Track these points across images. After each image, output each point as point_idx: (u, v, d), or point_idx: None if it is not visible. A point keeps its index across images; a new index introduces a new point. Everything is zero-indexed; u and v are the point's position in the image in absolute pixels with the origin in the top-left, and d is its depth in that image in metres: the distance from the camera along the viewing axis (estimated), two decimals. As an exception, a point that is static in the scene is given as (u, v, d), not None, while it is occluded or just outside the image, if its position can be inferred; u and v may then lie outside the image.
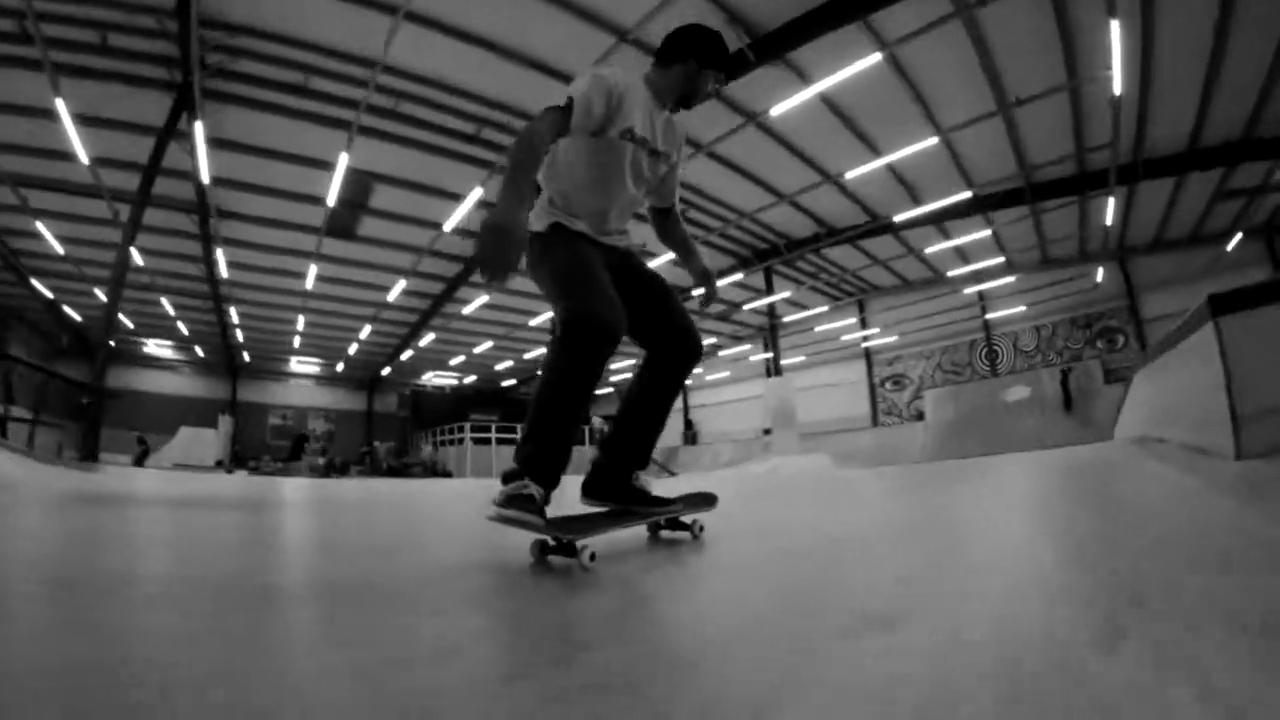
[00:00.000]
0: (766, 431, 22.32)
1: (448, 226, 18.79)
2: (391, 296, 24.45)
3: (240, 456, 28.34)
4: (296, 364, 35.31)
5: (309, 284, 22.83)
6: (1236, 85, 13.62)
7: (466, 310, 25.61)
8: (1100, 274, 23.43)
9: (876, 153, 16.46)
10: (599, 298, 2.33)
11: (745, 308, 26.17)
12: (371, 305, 26.32)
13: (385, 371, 35.89)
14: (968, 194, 18.75)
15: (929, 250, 23.79)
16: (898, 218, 20.11)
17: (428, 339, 30.16)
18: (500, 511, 2.20)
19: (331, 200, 16.67)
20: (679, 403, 39.04)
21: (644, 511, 2.61)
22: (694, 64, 2.54)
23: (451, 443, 28.57)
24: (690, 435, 38.63)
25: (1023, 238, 22.74)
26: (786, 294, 23.83)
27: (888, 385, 30.66)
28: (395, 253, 22.01)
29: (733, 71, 2.88)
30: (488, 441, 28.22)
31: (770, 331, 24.19)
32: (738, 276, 23.90)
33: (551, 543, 2.26)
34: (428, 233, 20.26)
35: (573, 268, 2.43)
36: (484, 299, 24.54)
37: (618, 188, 2.54)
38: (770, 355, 23.87)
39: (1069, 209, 20.48)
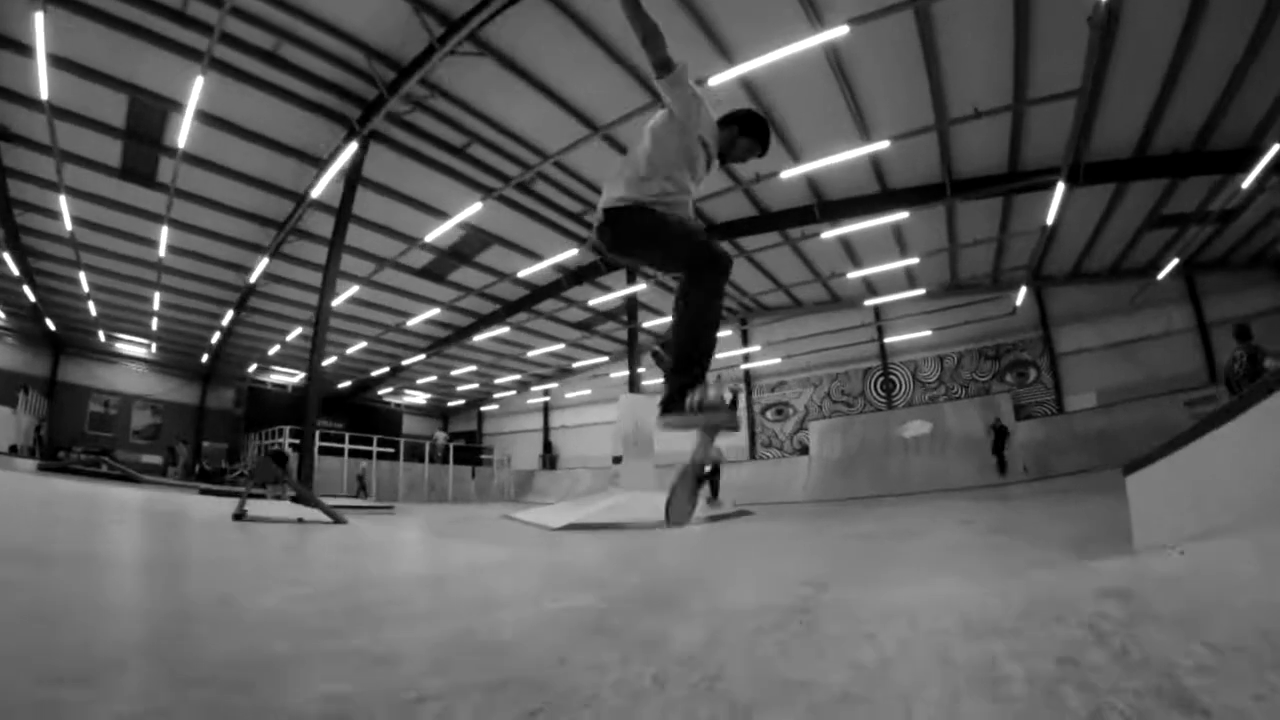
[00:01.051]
0: (616, 460, 18.01)
1: (316, 191, 14.50)
2: (254, 278, 19.51)
3: (48, 445, 23.42)
4: (130, 347, 29.04)
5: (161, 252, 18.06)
6: (1196, 88, 11.82)
7: (337, 302, 20.45)
8: (1021, 296, 20.29)
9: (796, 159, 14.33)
10: (714, 242, 3.02)
11: (593, 302, 22.10)
12: (234, 289, 21.37)
13: (252, 368, 30.43)
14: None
15: (830, 275, 20.69)
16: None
17: (294, 333, 24.81)
18: (702, 418, 3.00)
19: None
20: (538, 423, 35.82)
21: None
22: (736, 129, 3.38)
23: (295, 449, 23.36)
24: (549, 459, 34.25)
25: (934, 255, 19.43)
26: (640, 287, 19.73)
27: (769, 414, 26.85)
28: (256, 227, 17.66)
29: (766, 148, 3.49)
30: (337, 452, 23.34)
31: (630, 339, 19.99)
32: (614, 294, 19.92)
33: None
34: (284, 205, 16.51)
35: (687, 222, 3.11)
36: (356, 288, 19.91)
37: (692, 174, 3.24)
38: (635, 370, 19.73)
39: (988, 221, 17.46)
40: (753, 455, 26.30)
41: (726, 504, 16.77)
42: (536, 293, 22.16)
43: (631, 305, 19.86)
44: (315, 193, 14.11)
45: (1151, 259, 19.32)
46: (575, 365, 30.45)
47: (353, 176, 14.15)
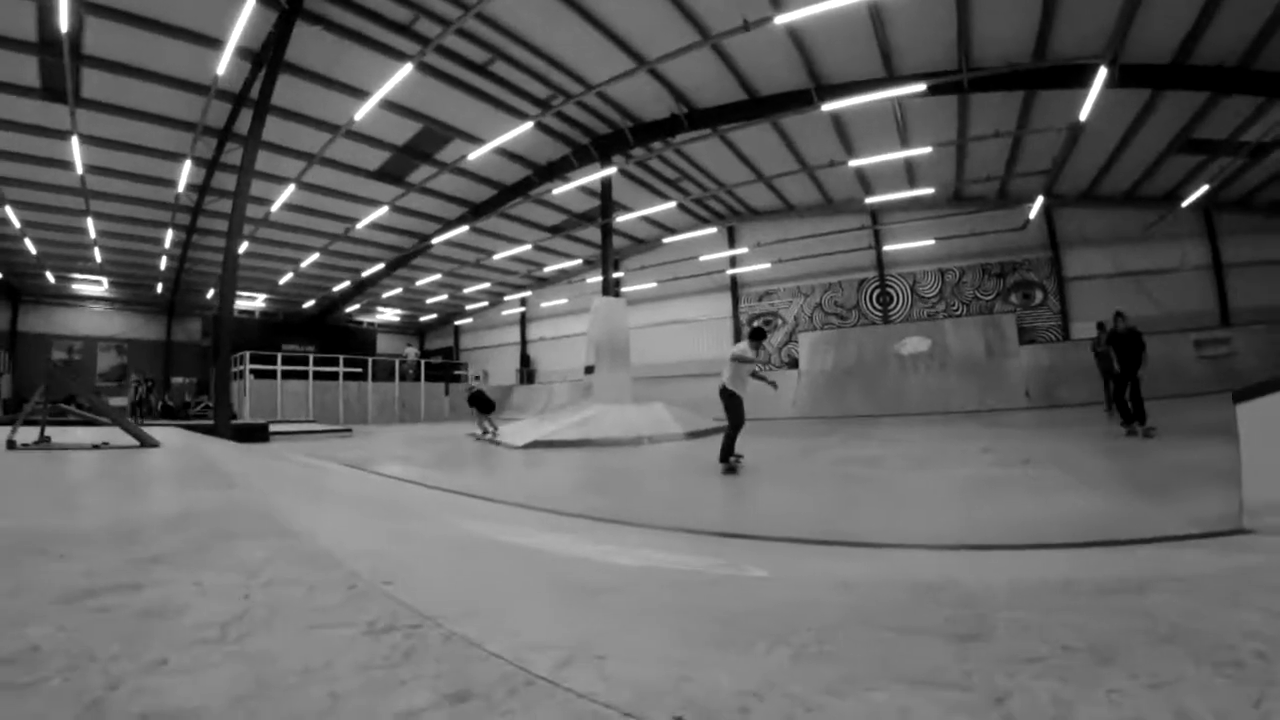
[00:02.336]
0: (588, 370, 16.06)
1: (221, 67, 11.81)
2: (181, 188, 17.00)
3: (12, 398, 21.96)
4: (86, 287, 26.70)
5: (78, 169, 15.45)
6: None
7: (275, 206, 18.16)
8: (1037, 207, 17.99)
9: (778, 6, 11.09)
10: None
11: (558, 192, 19.26)
12: (168, 207, 18.85)
13: (211, 294, 27.34)
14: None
15: (818, 165, 17.93)
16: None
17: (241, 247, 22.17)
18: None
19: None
20: (516, 336, 33.19)
21: None
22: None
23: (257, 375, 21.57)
24: (527, 374, 32.24)
25: (942, 148, 16.53)
26: (612, 170, 16.99)
27: (756, 324, 24.56)
28: (172, 131, 15.02)
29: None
30: (301, 375, 21.46)
31: (604, 237, 17.69)
32: (582, 180, 17.49)
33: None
34: (197, 101, 13.84)
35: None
36: (290, 189, 17.29)
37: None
38: (609, 273, 17.54)
39: (1005, 112, 14.91)
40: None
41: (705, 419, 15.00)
42: (505, 192, 19.79)
43: (606, 196, 17.49)
44: (220, 68, 11.46)
45: (1171, 187, 17.63)
46: (546, 270, 28.08)
47: (272, 58, 11.71)
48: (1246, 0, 10.13)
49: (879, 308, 22.14)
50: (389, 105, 13.93)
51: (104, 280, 25.54)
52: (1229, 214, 17.96)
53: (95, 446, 5.74)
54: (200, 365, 28.41)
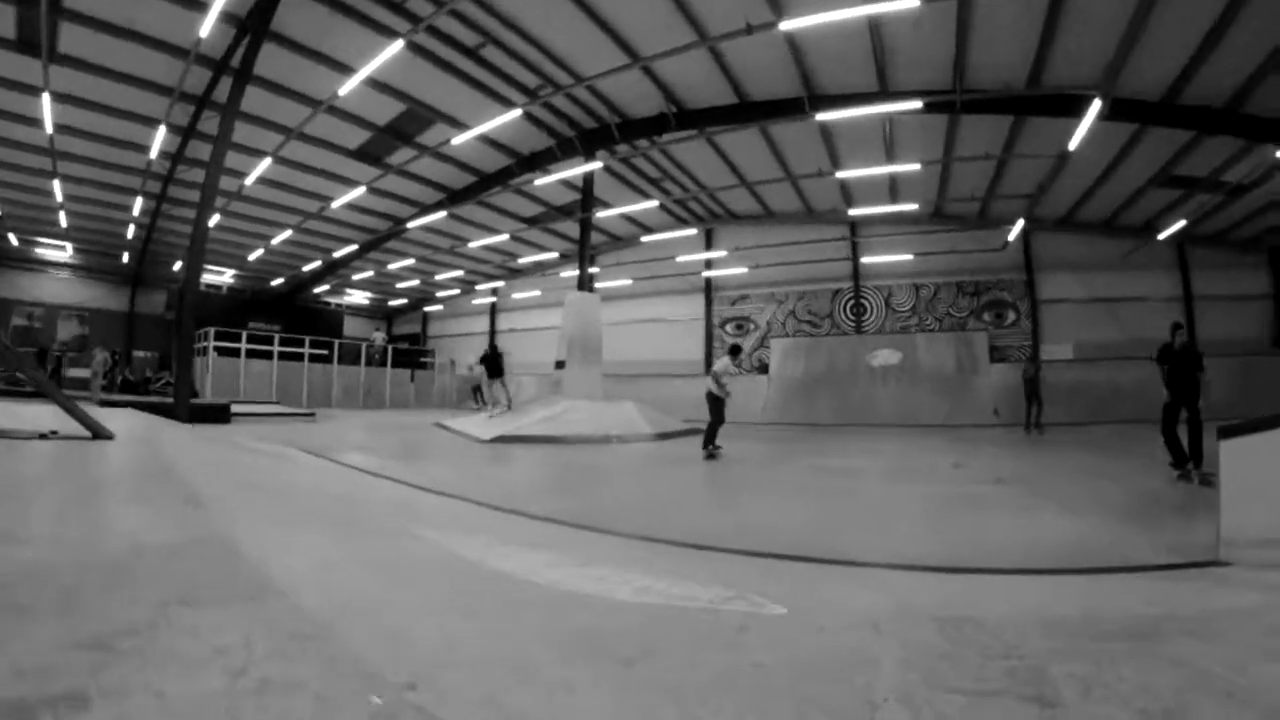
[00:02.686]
0: (559, 364, 15.74)
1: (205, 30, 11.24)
2: (154, 154, 16.01)
3: None
4: (50, 252, 25.26)
5: (48, 129, 14.55)
6: (1246, 40, 10.08)
7: (249, 180, 17.29)
8: (1018, 229, 18.03)
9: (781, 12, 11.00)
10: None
11: (540, 183, 18.51)
12: (139, 174, 17.85)
13: (177, 266, 25.87)
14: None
15: (805, 178, 17.82)
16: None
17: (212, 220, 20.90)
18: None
19: None
20: (485, 325, 32.35)
21: None
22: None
23: (221, 353, 20.68)
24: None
25: (928, 166, 16.29)
26: (596, 165, 16.68)
27: (728, 328, 24.38)
28: (149, 94, 14.15)
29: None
30: (266, 355, 20.74)
31: (583, 231, 17.34)
32: (565, 174, 17.00)
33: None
34: (176, 65, 13.08)
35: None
36: (266, 163, 16.44)
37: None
38: (585, 268, 17.19)
39: (992, 135, 14.88)
40: (708, 369, 24.03)
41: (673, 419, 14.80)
42: (484, 180, 19.25)
43: (587, 191, 17.13)
44: (203, 31, 10.85)
45: (1147, 219, 17.88)
46: (520, 261, 27.51)
47: (257, 25, 11.15)
48: (1239, 46, 10.24)
49: (852, 318, 22.02)
50: (374, 83, 13.41)
51: (68, 246, 24.27)
52: (1201, 248, 18.20)
53: (43, 436, 4.97)
54: (163, 339, 27.27)
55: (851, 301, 22.12)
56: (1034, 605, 2.74)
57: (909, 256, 20.62)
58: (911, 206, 18.28)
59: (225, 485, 4.32)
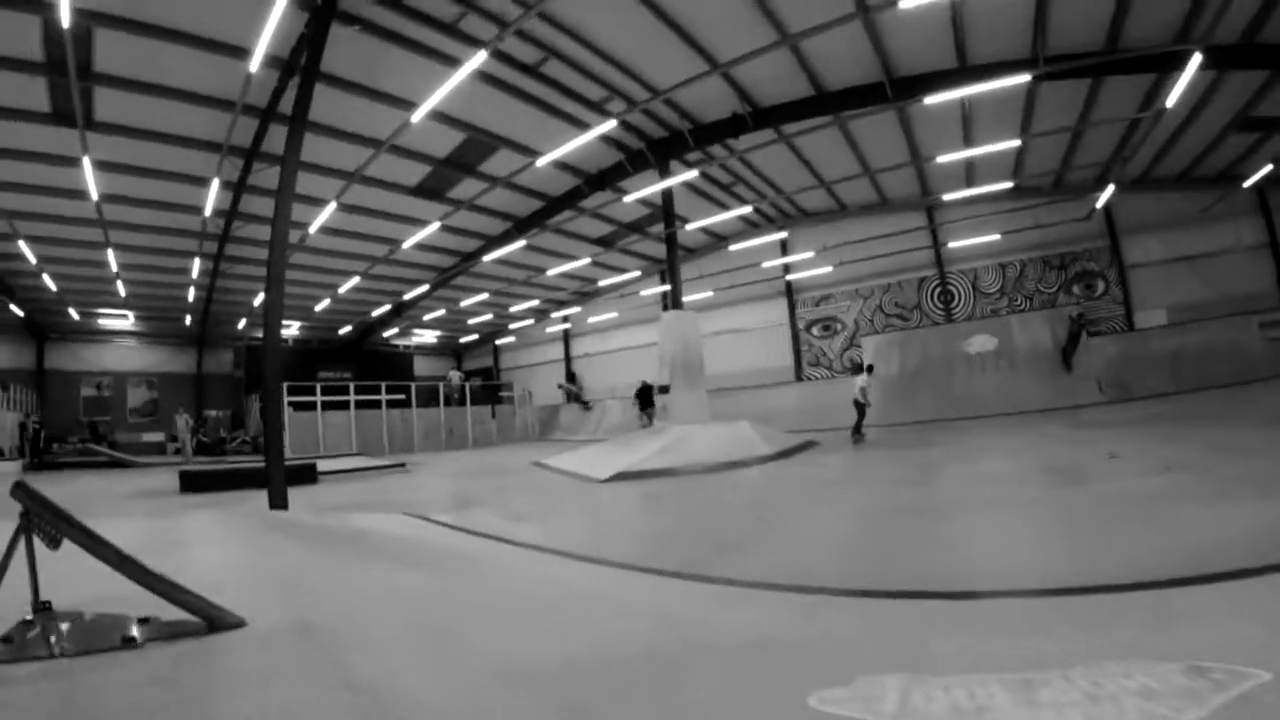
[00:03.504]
0: (662, 389, 14.64)
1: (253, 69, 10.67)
2: (208, 211, 15.35)
3: (43, 439, 19.63)
4: (111, 321, 24.92)
5: (94, 197, 13.83)
6: None
7: (312, 228, 16.43)
8: (1107, 195, 16.68)
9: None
10: None
11: (630, 199, 17.30)
12: (194, 235, 17.42)
13: (242, 324, 25.80)
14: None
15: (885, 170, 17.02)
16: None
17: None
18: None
19: None
20: (558, 353, 30.83)
21: None
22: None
23: (296, 407, 19.84)
24: (572, 393, 29.64)
25: (1003, 146, 15.03)
26: (684, 177, 15.73)
27: (814, 330, 23.11)
28: (195, 152, 13.55)
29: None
30: (343, 406, 19.96)
31: (669, 248, 16.25)
32: (643, 191, 15.84)
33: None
34: (221, 118, 12.54)
35: None
36: (330, 210, 15.49)
37: None
38: (668, 287, 16.15)
39: (1070, 105, 14.04)
40: (799, 376, 22.92)
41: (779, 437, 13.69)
42: (552, 204, 18.17)
43: (668, 205, 16.03)
44: (251, 72, 9.94)
45: (1224, 167, 16.66)
46: (597, 284, 26.24)
47: (308, 64, 10.22)
48: None
49: (941, 306, 20.74)
50: (431, 114, 12.48)
51: (130, 314, 23.87)
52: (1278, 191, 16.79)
53: (128, 640, 2.26)
54: (233, 397, 26.76)
55: (938, 289, 20.83)
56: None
57: (995, 236, 19.24)
58: (999, 186, 17.15)
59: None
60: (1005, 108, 14.07)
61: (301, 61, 9.92)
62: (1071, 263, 19.05)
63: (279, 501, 8.08)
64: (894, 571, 3.97)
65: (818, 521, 6.64)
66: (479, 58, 9.82)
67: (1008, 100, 13.52)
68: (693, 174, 15.65)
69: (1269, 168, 15.30)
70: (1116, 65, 11.74)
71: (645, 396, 17.83)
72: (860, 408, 13.91)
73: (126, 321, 24.71)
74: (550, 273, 22.75)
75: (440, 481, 12.52)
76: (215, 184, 13.95)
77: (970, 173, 17.60)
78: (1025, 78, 11.35)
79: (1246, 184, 16.12)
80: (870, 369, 14.75)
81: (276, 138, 12.12)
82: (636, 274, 25.52)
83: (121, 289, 20.41)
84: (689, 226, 18.97)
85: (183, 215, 16.03)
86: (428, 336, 32.70)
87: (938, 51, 12.25)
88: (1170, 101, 11.72)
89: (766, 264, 22.60)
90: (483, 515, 7.82)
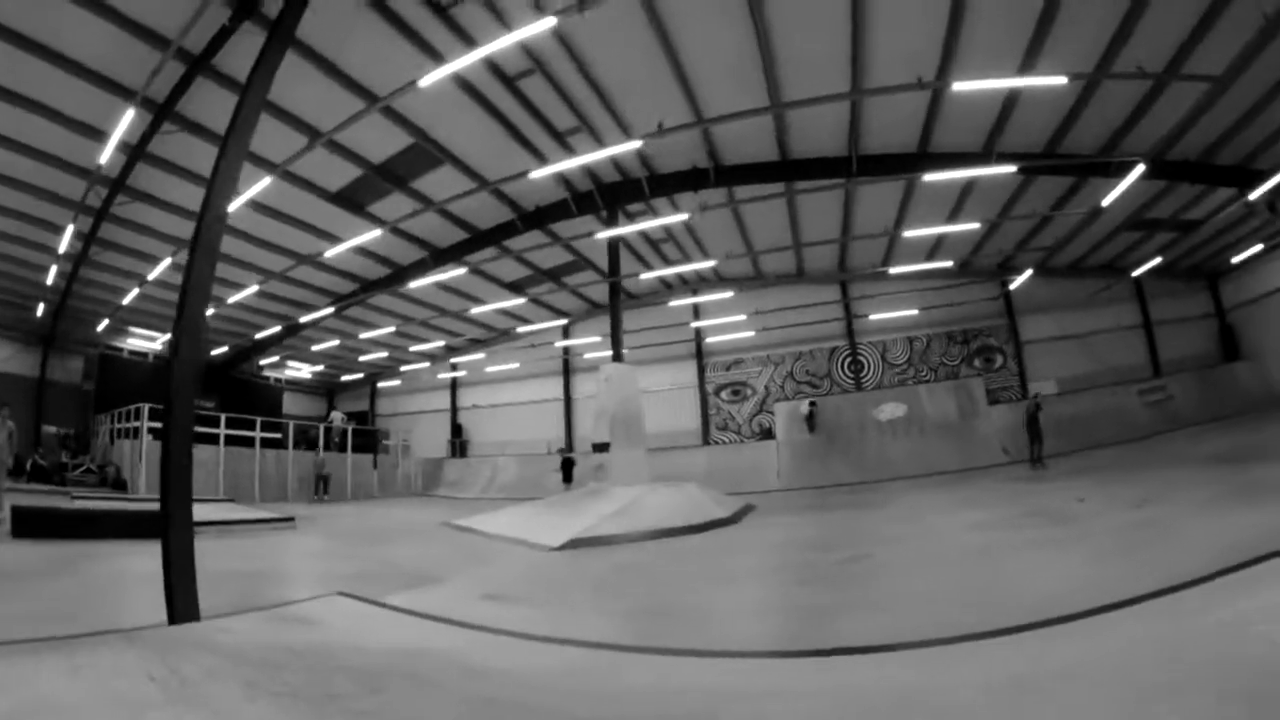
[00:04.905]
0: (598, 447, 12.98)
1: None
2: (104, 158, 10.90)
3: None
4: None
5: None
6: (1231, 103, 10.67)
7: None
8: (1023, 278, 18.36)
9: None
10: None
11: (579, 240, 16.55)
12: (69, 205, 12.97)
13: (103, 326, 19.87)
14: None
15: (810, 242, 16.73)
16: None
17: (160, 267, 15.16)
18: None
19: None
20: (445, 403, 26.95)
21: None
22: None
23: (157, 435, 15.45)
24: (459, 445, 26.91)
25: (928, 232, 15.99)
26: (627, 229, 14.70)
27: (724, 394, 22.49)
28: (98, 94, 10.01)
29: None
30: (211, 440, 16.23)
31: (612, 297, 14.75)
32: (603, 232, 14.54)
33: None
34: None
35: None
36: (241, 202, 11.64)
37: None
38: (619, 337, 14.58)
39: (994, 202, 15.13)
40: (706, 439, 21.92)
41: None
42: (477, 237, 16.10)
43: (614, 253, 14.65)
44: None
45: (1107, 260, 18.75)
46: (519, 330, 23.99)
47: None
48: (1222, 111, 10.84)
49: (851, 375, 20.89)
50: (383, 108, 10.55)
51: None
52: (1151, 280, 18.90)
53: None
54: (79, 413, 20.63)
55: (849, 358, 21.00)
56: None
57: (913, 311, 19.94)
58: (915, 267, 18.19)
59: None
60: (940, 196, 14.47)
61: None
62: (974, 338, 20.18)
63: (187, 609, 4.30)
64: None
65: (891, 577, 5.73)
66: (470, 58, 8.21)
67: (944, 190, 13.97)
68: (645, 225, 14.49)
69: (1158, 259, 17.30)
70: (1053, 168, 12.73)
71: (568, 468, 17.15)
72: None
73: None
74: (472, 311, 20.55)
75: (343, 545, 9.96)
76: (114, 138, 10.07)
77: (889, 251, 18.00)
78: (976, 171, 12.08)
79: (1136, 273, 18.14)
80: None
81: (203, 97, 9.92)
82: (554, 323, 23.64)
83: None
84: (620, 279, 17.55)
85: (60, 174, 12.12)
86: (303, 371, 27.98)
87: (904, 133, 12.32)
88: (1106, 201, 12.87)
89: (678, 326, 21.75)
90: (447, 595, 5.99)
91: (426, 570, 7.45)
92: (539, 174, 11.75)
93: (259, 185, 11.15)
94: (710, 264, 18.20)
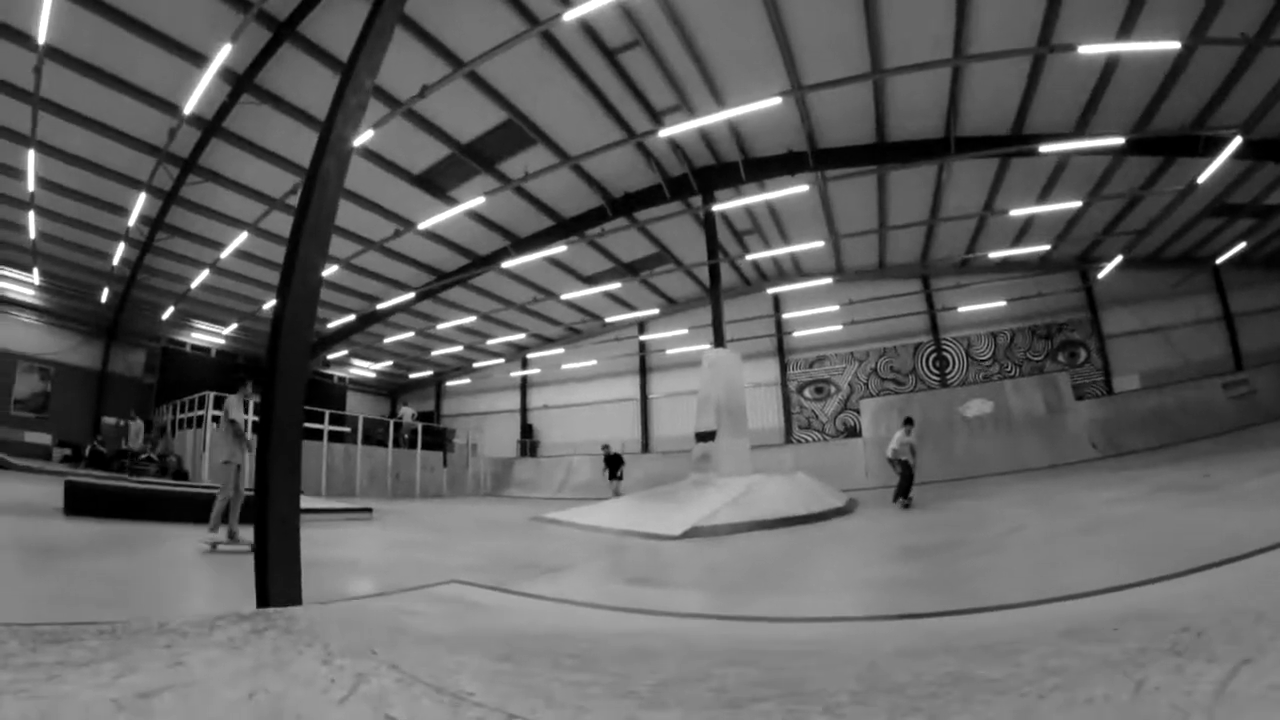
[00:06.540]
0: (701, 436, 11.99)
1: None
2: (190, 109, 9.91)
3: None
4: (11, 285, 17.81)
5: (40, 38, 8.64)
6: None
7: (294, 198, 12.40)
8: (1111, 266, 16.97)
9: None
10: None
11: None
12: (135, 184, 12.29)
13: (167, 314, 19.30)
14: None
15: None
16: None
17: (231, 245, 14.53)
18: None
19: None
20: (515, 403, 25.84)
21: None
22: None
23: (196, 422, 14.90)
24: (529, 445, 25.69)
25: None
26: (724, 206, 13.55)
27: (807, 393, 21.33)
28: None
29: None
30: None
31: (712, 281, 13.84)
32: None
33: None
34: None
35: None
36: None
37: None
38: (720, 322, 13.57)
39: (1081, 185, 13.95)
40: (788, 439, 20.78)
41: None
42: (560, 225, 15.22)
43: (710, 232, 13.73)
44: None
45: (1186, 250, 17.60)
46: (600, 323, 22.61)
47: None
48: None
49: (936, 371, 19.73)
50: (471, 75, 9.77)
51: (35, 274, 17.22)
52: (1230, 270, 17.69)
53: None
54: (140, 406, 19.10)
55: (934, 354, 19.84)
56: None
57: (1001, 303, 18.81)
58: (1000, 254, 16.98)
59: None
60: (1033, 175, 13.63)
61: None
62: (1057, 332, 19.00)
63: (287, 591, 3.49)
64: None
65: (1071, 539, 5.43)
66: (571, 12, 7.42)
67: (1038, 168, 13.18)
68: (735, 204, 13.53)
69: (1242, 245, 16.06)
70: (1147, 142, 11.64)
71: (614, 464, 16.09)
72: (906, 467, 10.30)
73: (29, 290, 18.16)
74: (549, 304, 19.77)
75: (444, 538, 9.03)
76: (192, 101, 9.25)
77: (975, 237, 16.96)
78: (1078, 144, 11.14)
79: (1220, 260, 16.84)
80: (909, 422, 10.89)
81: (286, 65, 9.38)
82: (633, 315, 22.45)
83: (33, 228, 14.05)
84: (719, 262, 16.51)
85: (129, 151, 11.50)
86: (368, 370, 27.29)
87: (1000, 114, 11.44)
88: (1203, 177, 11.70)
89: (761, 319, 20.85)
90: (582, 581, 5.55)
91: (542, 561, 6.83)
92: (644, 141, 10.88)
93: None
94: (799, 248, 16.99)
